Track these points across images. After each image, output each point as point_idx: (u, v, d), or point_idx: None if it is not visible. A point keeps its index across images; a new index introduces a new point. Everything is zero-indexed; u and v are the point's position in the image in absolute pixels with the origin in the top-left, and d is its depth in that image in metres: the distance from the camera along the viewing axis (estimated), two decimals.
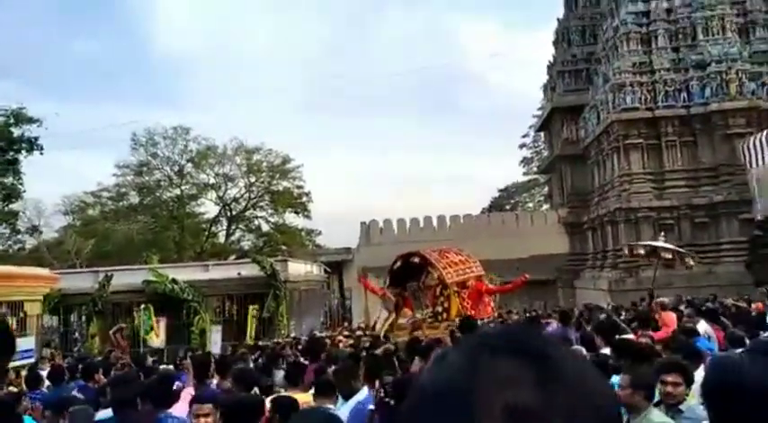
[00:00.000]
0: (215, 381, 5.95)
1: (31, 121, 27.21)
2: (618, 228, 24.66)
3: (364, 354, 7.00)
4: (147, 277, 20.66)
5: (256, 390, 5.36)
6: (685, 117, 24.34)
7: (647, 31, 25.42)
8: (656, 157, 24.76)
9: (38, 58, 66.05)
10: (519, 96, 75.51)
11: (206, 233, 42.32)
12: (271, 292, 20.48)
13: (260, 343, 14.32)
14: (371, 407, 4.37)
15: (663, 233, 17.10)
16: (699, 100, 24.04)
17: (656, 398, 3.57)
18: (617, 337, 4.94)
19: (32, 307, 17.57)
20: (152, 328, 16.60)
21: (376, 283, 13.89)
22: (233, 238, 43.40)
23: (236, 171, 41.17)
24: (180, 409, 4.46)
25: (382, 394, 4.37)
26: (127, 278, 20.86)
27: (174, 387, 5.62)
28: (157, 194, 40.98)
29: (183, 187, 40.95)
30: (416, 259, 11.72)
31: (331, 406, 4.28)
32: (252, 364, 7.90)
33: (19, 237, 38.49)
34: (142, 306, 18.23)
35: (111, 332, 15.55)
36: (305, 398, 4.65)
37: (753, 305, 11.72)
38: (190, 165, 41.00)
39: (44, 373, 7.41)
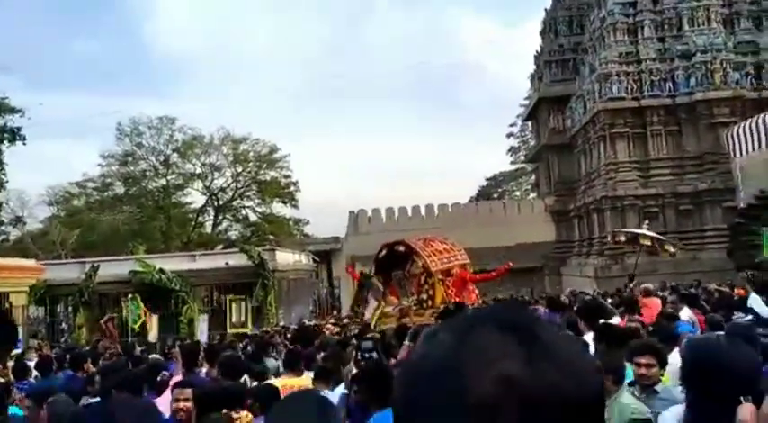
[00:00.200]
0: (204, 369, 5.97)
1: (13, 111, 26.83)
2: (604, 215, 24.88)
3: (354, 341, 7.06)
4: (133, 267, 20.54)
5: (246, 377, 5.40)
6: (671, 106, 24.54)
7: (633, 21, 25.52)
8: (641, 146, 24.96)
9: (35, 53, 64.90)
10: (508, 86, 75.31)
11: (193, 223, 42.08)
12: (259, 281, 20.47)
13: (245, 332, 14.33)
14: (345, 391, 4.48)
15: (647, 221, 17.28)
16: (684, 89, 24.23)
17: (630, 378, 3.63)
18: (600, 321, 5.01)
19: (18, 298, 17.47)
20: (140, 317, 16.54)
21: None
22: (220, 227, 43.24)
23: (223, 161, 40.98)
24: (166, 398, 4.46)
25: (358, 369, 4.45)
26: (113, 269, 20.71)
27: (161, 377, 5.63)
28: (143, 185, 40.62)
29: (168, 177, 40.64)
30: (401, 248, 11.74)
31: (327, 391, 4.37)
32: (240, 353, 7.91)
33: (2, 228, 38.10)
34: (130, 296, 18.16)
35: (102, 321, 15.50)
36: (302, 382, 4.79)
37: (735, 290, 11.90)
38: (175, 155, 40.67)
39: (31, 364, 7.37)
